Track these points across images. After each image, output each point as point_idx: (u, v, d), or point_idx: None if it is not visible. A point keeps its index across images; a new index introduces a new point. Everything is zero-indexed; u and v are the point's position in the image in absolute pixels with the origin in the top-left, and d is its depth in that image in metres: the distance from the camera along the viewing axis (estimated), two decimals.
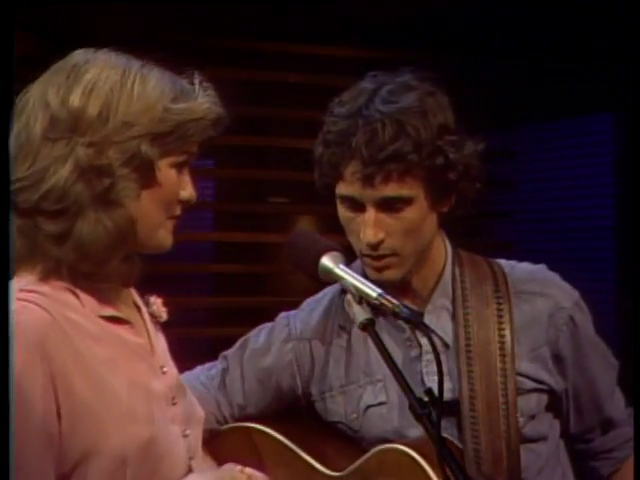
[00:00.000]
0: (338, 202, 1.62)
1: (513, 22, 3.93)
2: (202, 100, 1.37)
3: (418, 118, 1.57)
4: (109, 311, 1.36)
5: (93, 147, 1.30)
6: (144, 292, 1.46)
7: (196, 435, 1.43)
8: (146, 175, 1.33)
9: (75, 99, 1.31)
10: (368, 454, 1.59)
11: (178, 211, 1.39)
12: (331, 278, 1.54)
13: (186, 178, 1.39)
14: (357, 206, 1.59)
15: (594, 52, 3.66)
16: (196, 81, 1.38)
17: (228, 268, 4.21)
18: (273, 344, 1.73)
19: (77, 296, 1.33)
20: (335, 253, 1.55)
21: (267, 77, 4.18)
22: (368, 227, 1.58)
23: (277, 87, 4.24)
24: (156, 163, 1.34)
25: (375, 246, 1.59)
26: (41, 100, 1.32)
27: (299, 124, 4.13)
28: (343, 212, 1.62)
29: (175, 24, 3.82)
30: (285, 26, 4.05)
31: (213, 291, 4.58)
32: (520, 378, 1.62)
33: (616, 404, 1.73)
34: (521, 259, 1.77)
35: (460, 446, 1.58)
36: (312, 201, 4.17)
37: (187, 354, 1.83)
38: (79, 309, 1.33)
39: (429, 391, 1.52)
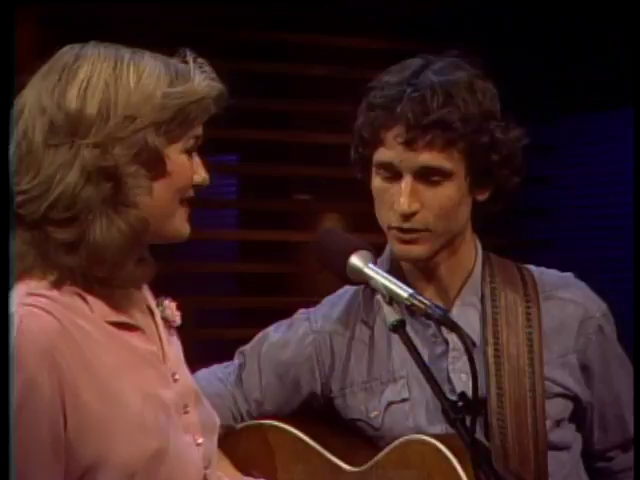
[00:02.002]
0: (374, 171, 1.62)
1: (549, 12, 3.91)
2: (200, 79, 1.33)
3: (467, 93, 1.58)
4: (119, 317, 1.34)
5: (98, 148, 1.28)
6: (164, 292, 1.45)
7: (211, 443, 1.41)
8: (156, 167, 1.31)
9: (71, 101, 1.29)
10: (390, 447, 1.59)
11: (191, 194, 1.37)
12: (360, 278, 1.53)
13: (197, 161, 1.37)
14: (394, 175, 1.59)
15: (633, 42, 3.62)
16: (189, 59, 1.35)
17: (252, 267, 4.21)
18: (292, 338, 1.73)
19: (86, 301, 1.31)
20: (364, 252, 1.54)
21: (292, 70, 4.17)
22: (404, 196, 1.58)
23: (302, 80, 4.24)
24: (165, 152, 1.32)
25: (408, 217, 1.58)
26: (37, 106, 1.30)
27: (325, 118, 4.13)
28: (378, 182, 1.61)
29: (199, 17, 3.83)
30: (311, 18, 4.04)
31: (237, 291, 4.58)
32: (547, 382, 1.62)
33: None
34: (559, 258, 1.77)
35: (487, 444, 1.58)
36: (338, 198, 4.20)
37: (209, 355, 1.83)
38: (87, 315, 1.31)
39: (462, 395, 1.52)
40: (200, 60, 1.36)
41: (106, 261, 1.30)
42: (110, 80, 1.30)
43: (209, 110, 1.35)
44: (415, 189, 1.58)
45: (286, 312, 1.83)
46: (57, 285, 1.30)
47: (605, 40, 3.85)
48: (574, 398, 1.66)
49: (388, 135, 1.59)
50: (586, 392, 1.67)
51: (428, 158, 1.57)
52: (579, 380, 1.66)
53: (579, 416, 1.68)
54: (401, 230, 1.60)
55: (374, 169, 1.62)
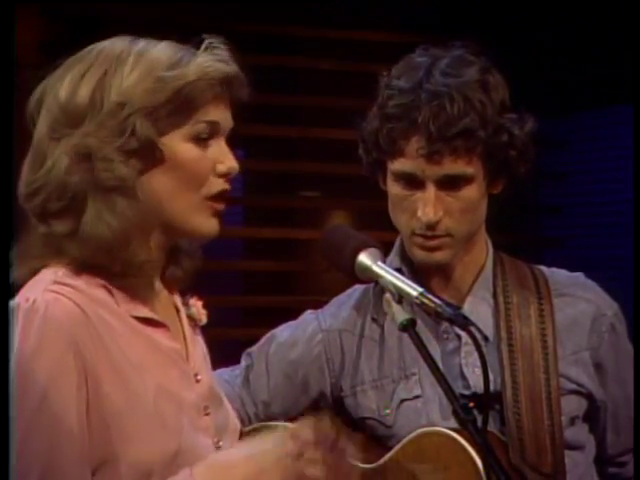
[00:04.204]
0: (391, 179, 1.63)
1: (561, 5, 3.90)
2: (201, 61, 1.29)
3: (482, 93, 1.59)
4: (144, 312, 1.34)
5: (89, 136, 1.28)
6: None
7: (231, 446, 1.40)
8: (150, 155, 1.28)
9: (62, 92, 1.29)
10: (404, 441, 1.60)
11: (215, 187, 1.32)
12: (368, 276, 1.54)
13: (220, 149, 1.33)
14: (415, 183, 1.61)
15: (633, 41, 3.63)
16: (204, 44, 1.31)
17: (258, 265, 4.22)
18: (301, 337, 1.74)
19: (112, 294, 1.32)
20: (373, 250, 1.54)
21: (298, 63, 4.18)
22: (428, 205, 1.59)
23: (309, 74, 4.25)
24: (158, 140, 1.29)
25: (433, 225, 1.60)
26: (44, 102, 1.32)
27: (332, 113, 4.13)
28: (397, 190, 1.63)
29: (204, 8, 3.84)
30: (317, 10, 4.05)
31: (242, 290, 4.59)
32: (561, 378, 1.64)
33: None
34: (571, 256, 1.78)
35: (503, 439, 1.60)
36: (346, 195, 4.20)
37: (213, 355, 1.84)
38: (113, 308, 1.31)
39: (473, 395, 1.53)
40: (215, 44, 1.31)
41: (111, 251, 1.29)
42: (110, 68, 1.29)
43: (211, 92, 1.30)
44: (439, 197, 1.59)
45: (292, 311, 1.83)
46: (83, 276, 1.31)
47: (618, 34, 3.84)
48: (588, 396, 1.67)
49: (408, 146, 1.59)
50: (599, 390, 1.68)
51: (451, 167, 1.58)
52: (592, 377, 1.67)
53: (593, 416, 1.69)
54: (424, 237, 1.61)
55: (392, 177, 1.63)
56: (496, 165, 1.62)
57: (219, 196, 1.33)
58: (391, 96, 1.60)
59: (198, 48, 1.32)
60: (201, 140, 1.31)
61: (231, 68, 1.32)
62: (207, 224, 1.33)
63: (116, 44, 1.32)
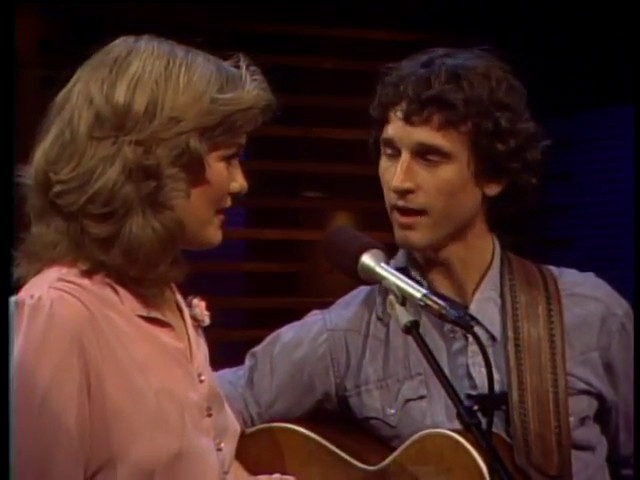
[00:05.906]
0: (382, 152, 1.65)
1: (562, 5, 3.90)
2: (250, 87, 1.36)
3: (478, 78, 1.61)
4: (149, 312, 1.36)
5: (140, 146, 1.30)
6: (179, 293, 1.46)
7: (231, 449, 1.42)
8: (195, 172, 1.33)
9: (120, 95, 1.31)
10: (407, 442, 1.60)
11: (228, 203, 1.39)
12: (372, 277, 1.53)
13: (236, 169, 1.39)
14: (395, 152, 1.62)
15: (633, 41, 3.63)
16: (242, 65, 1.38)
17: (260, 267, 4.22)
18: (306, 337, 1.74)
19: (117, 293, 1.34)
20: (376, 251, 1.54)
21: (300, 63, 4.18)
22: (398, 172, 1.61)
23: (310, 74, 4.24)
24: (205, 158, 1.34)
25: (402, 194, 1.61)
26: (85, 97, 1.32)
27: (334, 113, 4.13)
28: (383, 161, 1.65)
29: (204, 8, 3.84)
30: (317, 10, 4.04)
31: (244, 291, 4.59)
32: (570, 378, 1.64)
33: None
34: (578, 256, 1.77)
35: (509, 440, 1.59)
36: (349, 195, 4.20)
37: (214, 357, 1.83)
38: (118, 307, 1.33)
39: (478, 397, 1.52)
40: (253, 67, 1.38)
41: (139, 260, 1.32)
42: (160, 79, 1.32)
43: (256, 120, 1.37)
44: (411, 166, 1.60)
45: (295, 313, 1.83)
46: (88, 275, 1.32)
47: (618, 34, 3.84)
48: (598, 396, 1.66)
49: (392, 112, 1.62)
50: (610, 391, 1.67)
51: (425, 135, 1.59)
52: (602, 377, 1.66)
53: (604, 417, 1.69)
54: (399, 211, 1.62)
55: (382, 150, 1.65)
56: (483, 155, 1.61)
57: (223, 211, 1.40)
58: (396, 69, 1.64)
59: (234, 65, 1.37)
60: (228, 160, 1.37)
61: (271, 97, 1.39)
62: (217, 235, 1.39)
63: (156, 48, 1.34)
